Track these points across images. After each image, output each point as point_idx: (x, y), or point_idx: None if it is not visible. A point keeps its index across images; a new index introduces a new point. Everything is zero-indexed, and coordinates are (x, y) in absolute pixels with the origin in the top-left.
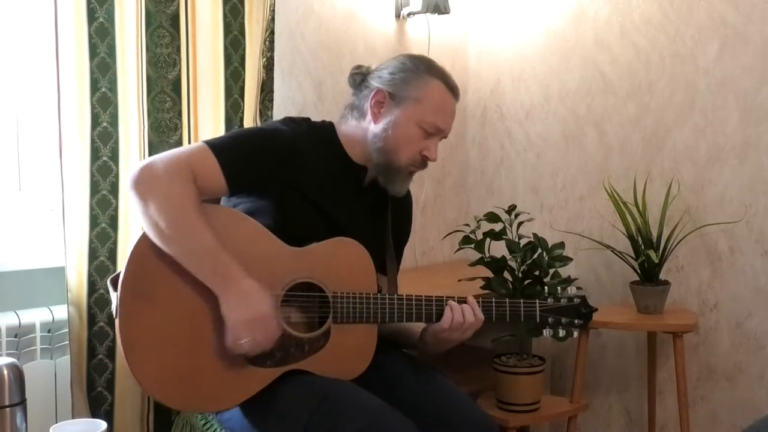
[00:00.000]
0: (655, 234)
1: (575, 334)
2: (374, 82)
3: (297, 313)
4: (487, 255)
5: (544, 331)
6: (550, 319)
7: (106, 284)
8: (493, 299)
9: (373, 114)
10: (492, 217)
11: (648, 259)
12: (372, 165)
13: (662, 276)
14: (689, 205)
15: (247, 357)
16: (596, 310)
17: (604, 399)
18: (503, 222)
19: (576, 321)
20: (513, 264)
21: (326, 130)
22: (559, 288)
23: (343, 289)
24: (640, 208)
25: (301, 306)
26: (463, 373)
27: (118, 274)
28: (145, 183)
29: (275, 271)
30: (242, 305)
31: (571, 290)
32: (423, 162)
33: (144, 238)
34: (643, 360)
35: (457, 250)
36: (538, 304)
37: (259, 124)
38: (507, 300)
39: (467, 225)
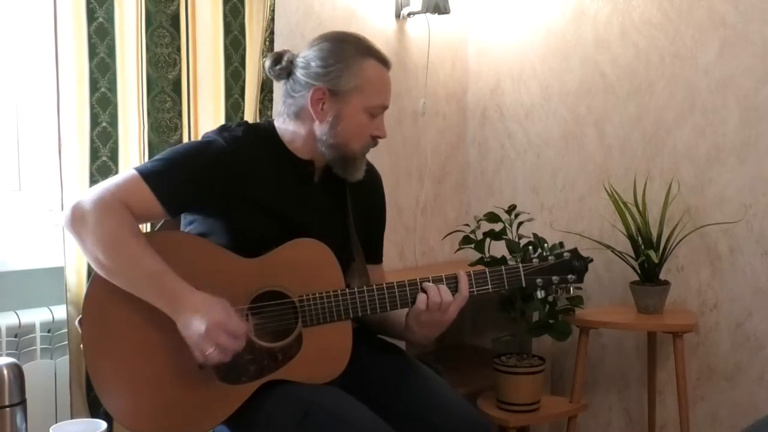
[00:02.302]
0: (655, 234)
1: (572, 290)
2: (305, 78)
3: (270, 323)
4: (487, 255)
5: (537, 293)
6: (538, 281)
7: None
8: (472, 272)
9: (316, 113)
10: (492, 217)
11: (648, 259)
12: (321, 159)
13: (662, 276)
14: (689, 205)
15: (219, 375)
16: (591, 260)
17: (604, 399)
18: (503, 222)
19: (570, 276)
20: (513, 264)
21: (266, 130)
22: (546, 245)
23: (308, 290)
24: (640, 208)
25: (272, 315)
26: (463, 373)
27: None
28: (76, 222)
29: (235, 286)
30: (195, 319)
31: (562, 246)
32: (375, 142)
33: (93, 279)
34: (643, 360)
35: (457, 250)
36: (521, 268)
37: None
38: (486, 270)
39: (467, 225)
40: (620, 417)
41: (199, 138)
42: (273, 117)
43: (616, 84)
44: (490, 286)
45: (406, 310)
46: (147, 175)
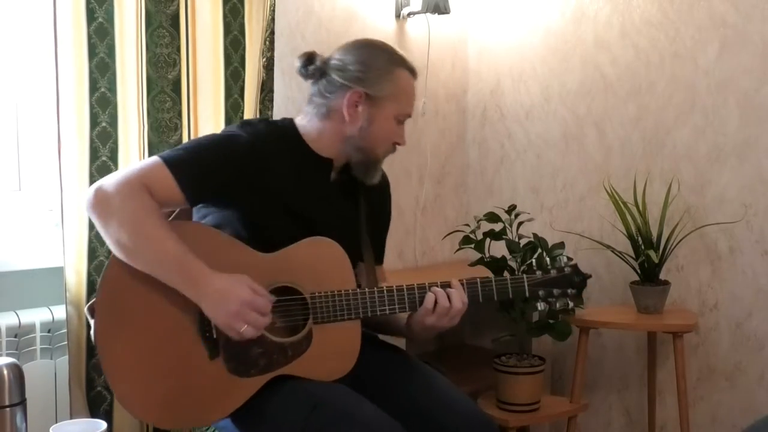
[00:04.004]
0: (655, 234)
1: (571, 304)
2: (340, 79)
3: (279, 318)
4: (487, 255)
5: (538, 305)
6: (541, 293)
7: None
8: (478, 280)
9: (350, 115)
10: (492, 217)
11: (648, 259)
12: (341, 159)
13: (662, 276)
14: (689, 205)
15: (229, 367)
16: (589, 276)
17: (604, 399)
18: (503, 222)
19: (569, 291)
20: (513, 264)
21: (287, 128)
22: (548, 259)
23: (320, 288)
24: (640, 208)
25: (282, 311)
26: (463, 373)
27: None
28: (99, 204)
29: None
30: (222, 301)
31: (562, 260)
32: (394, 149)
33: (111, 263)
34: (643, 360)
35: (457, 250)
36: (525, 279)
37: None
38: (492, 278)
39: (467, 225)
40: (620, 417)
41: (218, 133)
42: (273, 117)
43: (616, 84)
44: (495, 294)
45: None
46: (170, 162)
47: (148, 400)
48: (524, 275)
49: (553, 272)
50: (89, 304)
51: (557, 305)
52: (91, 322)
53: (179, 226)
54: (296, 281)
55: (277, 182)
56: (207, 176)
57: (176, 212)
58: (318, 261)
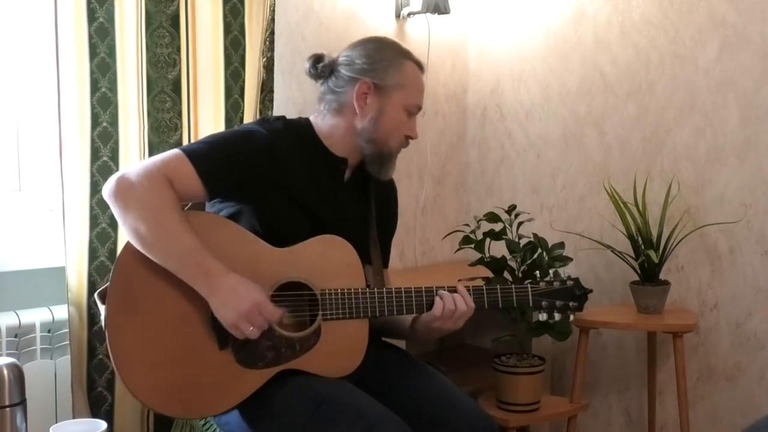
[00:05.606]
0: (655, 234)
1: (572, 317)
2: (349, 73)
3: (287, 313)
4: (487, 255)
5: (539, 315)
6: (543, 303)
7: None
8: (484, 286)
9: (360, 107)
10: (492, 217)
11: (648, 259)
12: (355, 158)
13: (662, 276)
14: (689, 205)
15: (238, 358)
16: (591, 291)
17: (604, 399)
18: (503, 222)
19: (571, 304)
20: (513, 264)
21: (303, 126)
22: (551, 272)
23: (330, 286)
24: (640, 208)
25: (291, 306)
26: (463, 373)
27: (106, 288)
28: (122, 193)
29: (261, 273)
30: (232, 301)
31: (564, 273)
32: (407, 143)
33: (126, 249)
34: (643, 360)
35: (457, 250)
36: (530, 289)
37: None
38: (498, 286)
39: (467, 225)
40: (620, 417)
41: (237, 128)
42: (273, 117)
43: (616, 84)
44: (500, 302)
45: None
46: (192, 154)
47: (155, 386)
48: (528, 285)
49: (557, 284)
50: (99, 290)
51: (557, 316)
52: (101, 308)
53: (195, 216)
54: (307, 277)
55: (291, 179)
56: (227, 170)
57: (188, 206)
58: (329, 259)
